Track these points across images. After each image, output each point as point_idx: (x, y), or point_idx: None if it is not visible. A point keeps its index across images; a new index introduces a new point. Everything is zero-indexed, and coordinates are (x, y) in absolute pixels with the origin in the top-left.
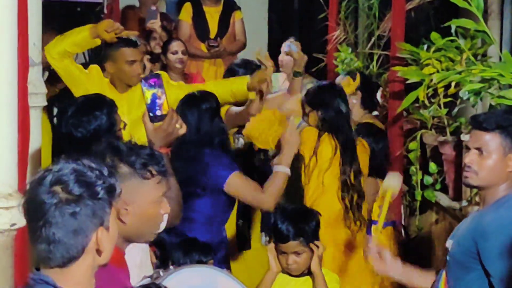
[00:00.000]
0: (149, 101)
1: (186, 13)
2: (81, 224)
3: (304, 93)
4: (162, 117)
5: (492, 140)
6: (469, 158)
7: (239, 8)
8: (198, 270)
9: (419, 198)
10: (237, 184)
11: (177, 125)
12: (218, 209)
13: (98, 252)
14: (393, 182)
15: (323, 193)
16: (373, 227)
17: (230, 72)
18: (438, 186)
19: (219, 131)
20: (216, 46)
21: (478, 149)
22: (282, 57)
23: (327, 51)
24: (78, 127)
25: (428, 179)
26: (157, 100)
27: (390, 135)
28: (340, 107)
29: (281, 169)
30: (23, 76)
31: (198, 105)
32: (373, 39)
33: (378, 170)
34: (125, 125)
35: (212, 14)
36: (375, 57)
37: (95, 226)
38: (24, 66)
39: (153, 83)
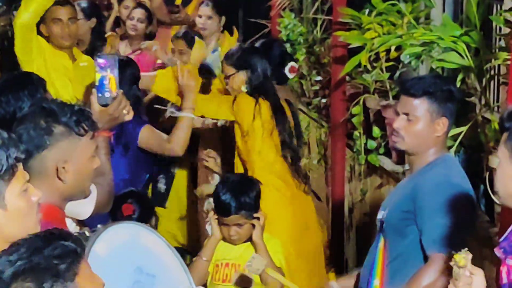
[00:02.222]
0: (97, 82)
1: None
2: None
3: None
4: (109, 100)
5: (419, 106)
6: (398, 123)
7: None
8: (123, 226)
9: (363, 162)
10: (146, 136)
11: (124, 111)
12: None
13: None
14: (255, 265)
15: (267, 155)
16: None
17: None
18: (381, 150)
19: (134, 99)
20: (176, 13)
21: (406, 114)
22: (197, 20)
23: (270, 17)
24: None
25: (372, 144)
26: (105, 82)
27: (333, 100)
28: (266, 70)
29: (184, 114)
30: None
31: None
32: (316, 4)
33: None
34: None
35: None
36: (319, 22)
37: None
38: None
39: (103, 65)
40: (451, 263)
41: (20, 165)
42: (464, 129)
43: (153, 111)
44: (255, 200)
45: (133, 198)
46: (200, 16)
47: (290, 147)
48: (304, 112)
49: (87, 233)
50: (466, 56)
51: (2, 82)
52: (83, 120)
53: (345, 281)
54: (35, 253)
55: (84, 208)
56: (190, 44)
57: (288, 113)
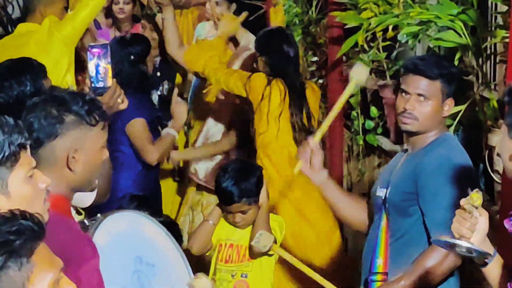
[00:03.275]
0: (92, 72)
1: None
2: None
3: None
4: (104, 89)
5: (433, 87)
6: (411, 104)
7: None
8: (123, 214)
9: (361, 142)
10: (135, 129)
11: (119, 100)
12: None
13: None
14: (358, 72)
15: (276, 137)
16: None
17: None
18: (379, 130)
19: (140, 76)
20: None
21: (420, 95)
22: (206, 6)
23: None
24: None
25: (370, 124)
26: (100, 71)
27: (330, 80)
28: (287, 51)
29: (171, 132)
30: None
31: (125, 48)
32: None
33: None
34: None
35: None
36: (314, 3)
37: None
38: None
39: (96, 53)
40: (465, 201)
41: (24, 152)
42: (462, 107)
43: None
44: (256, 186)
45: (140, 201)
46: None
47: (305, 130)
48: None
49: (86, 222)
50: (464, 34)
51: (3, 67)
52: (95, 110)
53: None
54: None
55: (85, 196)
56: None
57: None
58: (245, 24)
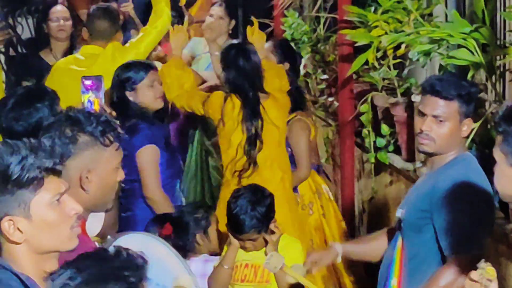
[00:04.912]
0: (84, 104)
1: None
2: None
3: None
4: None
5: (450, 108)
6: (427, 125)
7: None
8: (133, 236)
9: (372, 160)
10: (145, 158)
11: None
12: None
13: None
14: (273, 261)
15: (234, 150)
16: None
17: None
18: (391, 148)
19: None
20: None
21: (436, 116)
22: (207, 20)
23: (273, 17)
24: (19, 121)
25: (381, 141)
26: (91, 104)
27: (340, 98)
28: (243, 66)
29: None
30: None
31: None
32: (319, 2)
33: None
34: None
35: None
36: (322, 20)
37: None
38: None
39: (89, 87)
40: (478, 276)
41: (51, 176)
42: (475, 125)
43: None
44: (266, 215)
45: (172, 221)
46: (211, 16)
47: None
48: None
49: (97, 244)
50: (476, 52)
51: (19, 95)
52: (109, 131)
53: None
54: (103, 263)
55: (92, 225)
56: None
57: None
58: None
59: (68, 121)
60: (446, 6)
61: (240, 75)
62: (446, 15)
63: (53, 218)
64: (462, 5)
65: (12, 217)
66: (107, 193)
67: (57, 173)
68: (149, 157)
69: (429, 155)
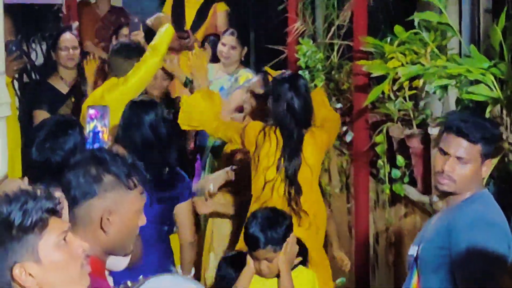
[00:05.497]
0: (87, 133)
1: (168, 4)
2: None
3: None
4: None
5: (474, 150)
6: (450, 166)
7: (222, 0)
8: (165, 278)
9: (387, 192)
10: (183, 211)
11: None
12: None
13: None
14: None
15: (266, 187)
16: None
17: None
18: (406, 179)
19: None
20: (185, 38)
21: (459, 158)
22: (220, 48)
23: (287, 43)
24: (56, 150)
25: (396, 173)
26: (96, 132)
27: (355, 128)
28: (292, 100)
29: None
30: None
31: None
32: (333, 29)
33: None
34: None
35: (192, 5)
36: (336, 47)
37: (7, 265)
38: None
39: (93, 117)
40: None
41: (54, 217)
42: (494, 161)
43: None
44: (284, 235)
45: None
46: (224, 45)
47: (291, 183)
48: None
49: (129, 284)
50: (495, 87)
51: (51, 126)
52: (134, 174)
53: None
54: None
55: (119, 259)
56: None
57: (311, 143)
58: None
59: (94, 160)
60: (461, 32)
61: (290, 110)
62: (460, 45)
63: (62, 258)
64: (477, 36)
65: (22, 264)
66: (127, 236)
67: (59, 214)
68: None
69: (448, 194)
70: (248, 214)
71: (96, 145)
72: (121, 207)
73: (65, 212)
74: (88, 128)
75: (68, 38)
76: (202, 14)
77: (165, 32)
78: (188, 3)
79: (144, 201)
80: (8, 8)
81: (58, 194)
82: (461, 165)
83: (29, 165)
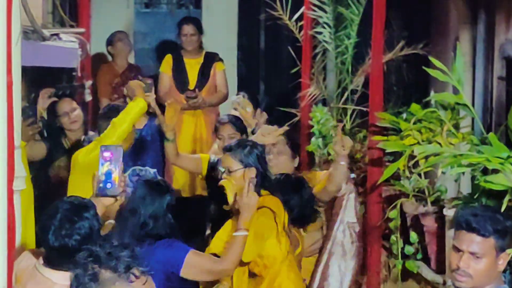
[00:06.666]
0: (100, 174)
1: (167, 65)
2: None
3: None
4: (112, 193)
5: (487, 244)
6: (465, 262)
7: (220, 60)
8: None
9: (400, 267)
10: (193, 263)
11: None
12: None
13: None
14: None
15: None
16: None
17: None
18: (419, 256)
19: (170, 226)
20: (194, 98)
21: (472, 253)
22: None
23: (300, 107)
24: (72, 235)
25: (409, 249)
26: (110, 174)
27: (369, 202)
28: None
29: (240, 233)
30: (11, 160)
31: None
32: (346, 93)
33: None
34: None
35: (193, 66)
36: (349, 112)
37: None
38: (11, 150)
39: (108, 158)
40: None
41: None
42: (510, 251)
43: None
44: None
45: None
46: (235, 109)
47: None
48: None
49: None
50: None
51: (66, 211)
52: (135, 265)
53: None
54: None
55: None
56: (239, 128)
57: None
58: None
59: (90, 257)
60: (473, 99)
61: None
62: (473, 122)
63: None
64: (490, 110)
65: None
66: None
67: None
68: (196, 259)
69: None
70: None
71: (108, 185)
72: None
73: None
74: (102, 169)
75: (64, 105)
76: (204, 74)
77: (131, 108)
78: (189, 64)
79: None
80: (23, 69)
81: None
82: (476, 260)
83: (47, 250)
